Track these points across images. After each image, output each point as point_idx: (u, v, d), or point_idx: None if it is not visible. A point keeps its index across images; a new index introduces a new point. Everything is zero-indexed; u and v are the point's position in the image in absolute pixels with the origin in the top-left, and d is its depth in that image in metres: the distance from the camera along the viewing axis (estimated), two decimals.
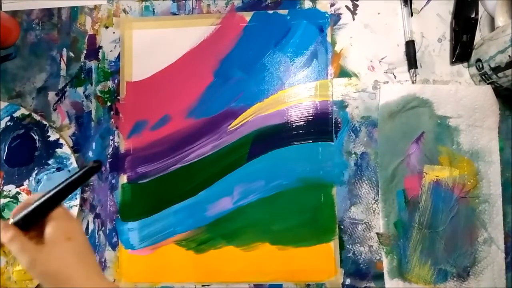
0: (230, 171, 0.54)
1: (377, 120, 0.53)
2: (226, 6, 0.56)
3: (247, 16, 0.56)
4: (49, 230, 0.34)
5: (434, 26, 0.54)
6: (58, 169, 0.54)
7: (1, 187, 0.54)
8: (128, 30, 0.57)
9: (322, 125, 0.53)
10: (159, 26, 0.56)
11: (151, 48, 0.56)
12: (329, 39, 0.55)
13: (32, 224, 0.35)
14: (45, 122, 0.55)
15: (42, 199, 0.35)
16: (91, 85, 0.57)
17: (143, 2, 0.57)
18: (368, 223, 0.52)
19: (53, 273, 0.33)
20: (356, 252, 0.52)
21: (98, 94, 0.57)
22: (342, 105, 0.54)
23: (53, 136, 0.55)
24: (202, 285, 0.53)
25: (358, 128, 0.53)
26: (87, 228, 0.55)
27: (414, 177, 0.52)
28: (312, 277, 0.52)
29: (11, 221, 0.34)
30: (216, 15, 0.56)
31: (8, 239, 0.33)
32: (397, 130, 0.52)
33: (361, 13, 0.55)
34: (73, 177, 0.36)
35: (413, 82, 0.53)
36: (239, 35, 0.55)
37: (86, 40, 0.57)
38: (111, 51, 0.57)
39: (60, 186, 0.36)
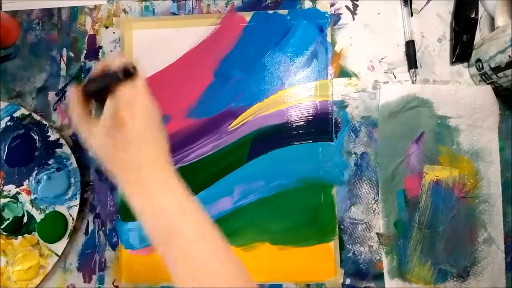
0: (230, 171, 0.54)
1: (377, 120, 0.53)
2: (226, 6, 0.56)
3: (247, 16, 0.56)
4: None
5: (434, 26, 0.54)
6: (58, 169, 0.54)
7: (1, 187, 0.54)
8: (128, 30, 0.57)
9: (322, 125, 0.53)
10: (159, 26, 0.56)
11: (151, 48, 0.56)
12: (329, 39, 0.55)
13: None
14: (45, 122, 0.55)
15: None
16: None
17: (143, 2, 0.57)
18: (368, 223, 0.52)
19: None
20: (356, 252, 0.52)
21: None
22: (342, 105, 0.54)
23: (53, 136, 0.55)
24: None
25: (358, 128, 0.53)
26: (87, 228, 0.55)
27: (414, 177, 0.52)
28: (312, 277, 0.52)
29: None
30: (216, 15, 0.56)
31: None
32: (397, 130, 0.52)
33: (361, 13, 0.55)
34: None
35: (413, 82, 0.53)
36: (239, 35, 0.55)
37: (86, 40, 0.57)
38: (111, 51, 0.57)
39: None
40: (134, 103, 0.35)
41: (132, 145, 0.35)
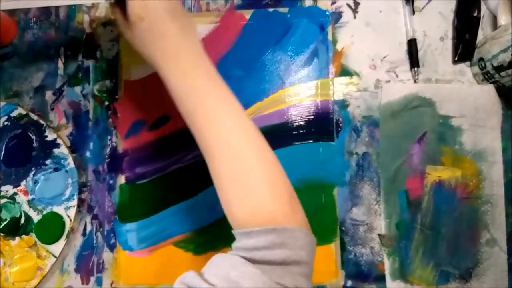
0: None
1: (378, 120, 0.53)
2: (226, 4, 0.56)
3: (247, 14, 0.55)
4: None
5: (436, 24, 0.54)
6: (56, 170, 0.54)
7: None
8: None
9: (323, 125, 0.53)
10: None
11: None
12: (330, 37, 0.54)
13: None
14: (42, 122, 0.54)
15: None
16: (89, 84, 0.56)
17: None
18: (370, 224, 0.52)
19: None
20: (357, 254, 0.51)
21: (96, 93, 0.56)
22: (343, 104, 0.53)
23: (50, 136, 0.54)
24: None
25: (360, 128, 0.53)
26: (84, 229, 0.54)
27: (416, 178, 0.51)
28: (313, 278, 0.51)
29: None
30: (215, 13, 0.55)
31: None
32: (399, 130, 0.52)
33: (363, 11, 0.54)
34: None
35: (415, 81, 0.53)
36: (239, 33, 0.55)
37: (84, 39, 0.57)
38: (109, 49, 0.56)
39: None
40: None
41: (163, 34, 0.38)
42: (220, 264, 0.32)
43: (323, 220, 0.52)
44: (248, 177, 0.35)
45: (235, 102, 0.38)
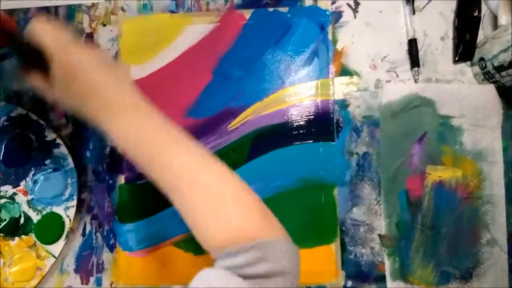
0: None
1: (379, 120, 0.52)
2: (226, 4, 0.56)
3: (247, 14, 0.55)
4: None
5: (437, 24, 0.53)
6: (55, 170, 0.54)
7: None
8: (126, 28, 0.56)
9: (323, 125, 0.53)
10: (158, 24, 0.56)
11: (149, 46, 0.55)
12: (330, 37, 0.54)
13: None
14: (42, 122, 0.54)
15: None
16: None
17: (141, 0, 0.57)
18: (370, 224, 0.52)
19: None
20: (357, 254, 0.51)
21: None
22: (343, 104, 0.53)
23: (50, 136, 0.54)
24: None
25: (360, 128, 0.53)
26: (84, 229, 0.54)
27: (417, 178, 0.51)
28: (313, 279, 0.51)
29: None
30: (215, 13, 0.55)
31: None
32: (400, 130, 0.52)
33: (363, 11, 0.54)
34: None
35: (415, 81, 0.53)
36: (239, 33, 0.55)
37: (83, 39, 0.57)
38: (108, 49, 0.56)
39: None
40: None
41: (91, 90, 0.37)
42: (204, 276, 0.33)
43: (323, 220, 0.52)
44: (216, 203, 0.35)
45: (183, 135, 0.37)
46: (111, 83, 0.37)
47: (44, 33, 0.36)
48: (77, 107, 0.38)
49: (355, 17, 0.54)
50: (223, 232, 0.34)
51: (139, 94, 0.38)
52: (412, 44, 0.52)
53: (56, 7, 0.57)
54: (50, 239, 0.53)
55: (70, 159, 0.54)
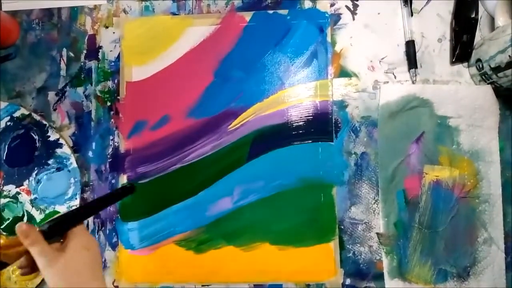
0: (230, 171, 0.54)
1: (377, 120, 0.53)
2: (226, 6, 0.56)
3: (247, 16, 0.56)
4: (70, 240, 0.37)
5: (434, 26, 0.54)
6: (58, 169, 0.54)
7: (1, 187, 0.54)
8: (128, 30, 0.56)
9: (322, 125, 0.53)
10: (159, 26, 0.56)
11: (151, 48, 0.56)
12: (329, 39, 0.55)
13: (56, 234, 0.37)
14: (45, 122, 0.55)
15: (71, 212, 0.38)
16: (91, 85, 0.57)
17: (143, 2, 0.57)
18: (368, 223, 0.52)
19: (69, 277, 0.35)
20: (356, 252, 0.52)
21: (98, 94, 0.56)
22: (342, 105, 0.54)
23: (53, 136, 0.55)
24: (202, 285, 0.53)
25: (358, 128, 0.53)
26: (87, 228, 0.55)
27: (414, 177, 0.52)
28: (312, 277, 0.52)
29: (37, 229, 0.36)
30: (216, 15, 0.56)
31: (30, 242, 0.35)
32: (397, 130, 0.52)
33: (361, 13, 0.55)
34: (105, 196, 0.39)
35: (413, 82, 0.53)
36: (239, 35, 0.55)
37: (86, 40, 0.57)
38: (111, 51, 0.57)
39: (90, 203, 0.37)
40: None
41: None
42: None
43: (322, 219, 0.52)
44: None
45: None
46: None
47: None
48: None
49: (353, 19, 0.55)
50: None
51: None
52: (410, 46, 0.53)
53: (59, 9, 0.58)
54: None
55: (73, 159, 0.54)
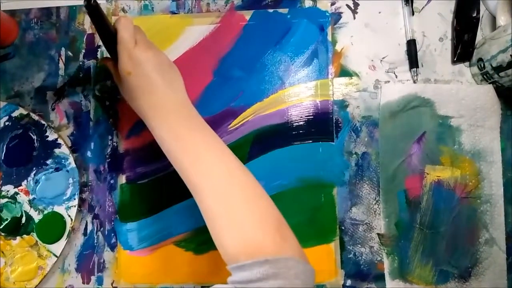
0: None
1: (378, 120, 0.53)
2: (226, 5, 0.56)
3: (247, 15, 0.55)
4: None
5: (436, 25, 0.54)
6: (57, 169, 0.54)
7: None
8: None
9: (323, 125, 0.53)
10: (158, 25, 0.56)
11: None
12: (329, 38, 0.54)
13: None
14: (43, 122, 0.55)
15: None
16: (90, 84, 0.56)
17: (142, 1, 0.57)
18: (369, 223, 0.52)
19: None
20: (357, 253, 0.52)
21: (97, 93, 0.56)
22: (342, 104, 0.54)
23: (51, 136, 0.55)
24: (202, 286, 0.53)
25: (359, 128, 0.53)
26: (85, 228, 0.54)
27: (416, 177, 0.52)
28: None
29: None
30: (216, 14, 0.56)
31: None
32: (398, 130, 0.52)
33: (362, 12, 0.55)
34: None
35: (414, 82, 0.53)
36: (239, 34, 0.55)
37: (84, 39, 0.57)
38: None
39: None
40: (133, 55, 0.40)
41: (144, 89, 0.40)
42: None
43: (323, 220, 0.52)
44: (234, 212, 0.36)
45: (218, 143, 0.40)
46: (163, 85, 0.40)
47: (125, 28, 0.41)
48: (130, 101, 0.42)
49: (354, 18, 0.55)
50: (238, 241, 0.35)
51: (186, 100, 0.42)
52: (411, 45, 0.53)
53: (58, 8, 0.58)
54: (51, 239, 0.53)
55: (71, 159, 0.54)
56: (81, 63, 0.57)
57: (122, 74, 0.40)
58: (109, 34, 0.42)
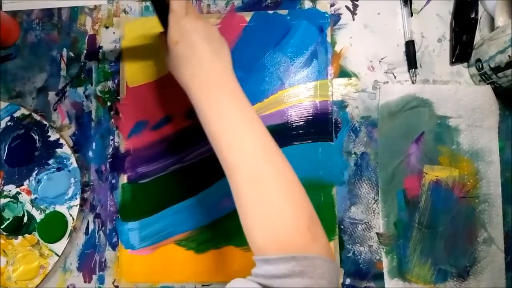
0: None
1: (377, 120, 0.53)
2: (226, 6, 0.56)
3: (247, 16, 0.56)
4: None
5: (434, 26, 0.54)
6: (59, 169, 0.55)
7: (1, 187, 0.55)
8: (128, 30, 0.57)
9: (322, 125, 0.53)
10: (159, 26, 0.56)
11: (151, 48, 0.56)
12: (329, 39, 0.55)
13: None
14: (45, 122, 0.55)
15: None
16: (91, 85, 0.57)
17: (143, 2, 0.57)
18: (368, 223, 0.52)
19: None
20: (356, 252, 0.52)
21: (98, 94, 0.57)
22: (342, 105, 0.54)
23: (53, 136, 0.55)
24: (202, 285, 0.53)
25: (358, 128, 0.53)
26: (87, 228, 0.55)
27: (414, 177, 0.52)
28: None
29: None
30: (216, 15, 0.56)
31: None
32: (397, 130, 0.52)
33: (361, 13, 0.55)
34: None
35: (413, 82, 0.53)
36: (239, 35, 0.55)
37: (86, 40, 0.57)
38: (111, 51, 0.57)
39: None
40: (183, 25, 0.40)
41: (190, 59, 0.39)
42: (236, 286, 0.32)
43: (322, 219, 0.50)
44: (268, 201, 0.34)
45: (259, 124, 0.38)
46: (209, 56, 0.39)
47: None
48: (174, 71, 0.41)
49: (353, 19, 0.55)
50: (269, 234, 0.33)
51: (231, 73, 0.40)
52: (410, 46, 0.53)
53: (59, 9, 0.58)
54: (53, 238, 0.53)
55: (73, 159, 0.54)
56: (82, 63, 0.57)
57: (170, 43, 0.40)
58: (162, 4, 0.41)
